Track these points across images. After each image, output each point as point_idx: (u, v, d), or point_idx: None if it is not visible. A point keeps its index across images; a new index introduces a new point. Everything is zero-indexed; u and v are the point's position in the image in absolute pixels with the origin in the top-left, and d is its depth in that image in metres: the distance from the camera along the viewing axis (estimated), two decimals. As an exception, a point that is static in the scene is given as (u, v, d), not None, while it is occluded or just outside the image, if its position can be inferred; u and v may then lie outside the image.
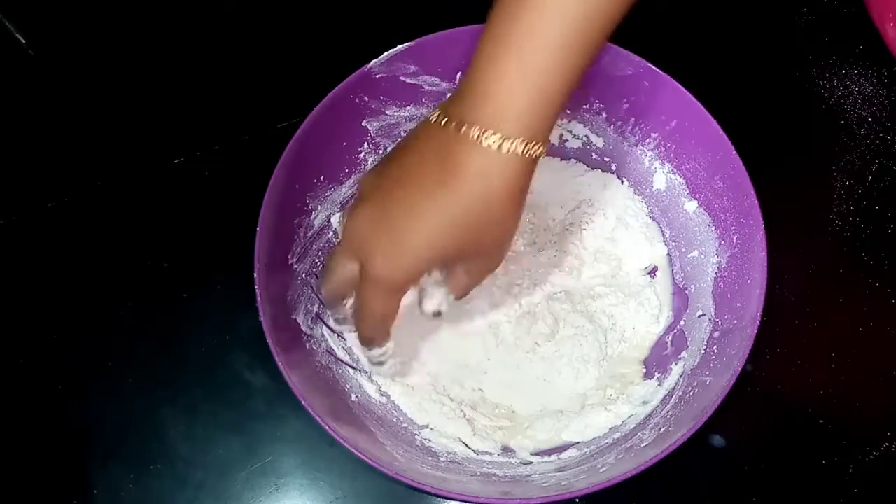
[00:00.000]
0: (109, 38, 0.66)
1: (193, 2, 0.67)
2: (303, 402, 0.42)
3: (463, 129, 0.38)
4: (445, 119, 0.39)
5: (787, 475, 0.51)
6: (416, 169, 0.40)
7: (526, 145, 0.38)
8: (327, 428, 0.42)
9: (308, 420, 0.52)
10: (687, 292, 0.54)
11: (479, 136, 0.37)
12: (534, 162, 0.39)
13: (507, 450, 0.50)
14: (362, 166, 0.55)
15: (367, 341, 0.45)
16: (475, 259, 0.42)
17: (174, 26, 0.66)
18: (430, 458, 0.47)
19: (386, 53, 0.50)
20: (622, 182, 0.57)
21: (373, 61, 0.50)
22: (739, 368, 0.42)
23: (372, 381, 0.51)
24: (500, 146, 0.37)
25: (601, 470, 0.44)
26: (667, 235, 0.56)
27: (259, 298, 0.45)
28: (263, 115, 0.61)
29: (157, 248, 0.58)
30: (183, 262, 0.57)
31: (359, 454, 0.41)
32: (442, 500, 0.50)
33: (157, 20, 0.66)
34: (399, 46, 0.50)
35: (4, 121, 0.63)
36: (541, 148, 0.38)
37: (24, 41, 0.65)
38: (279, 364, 0.43)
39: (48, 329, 0.55)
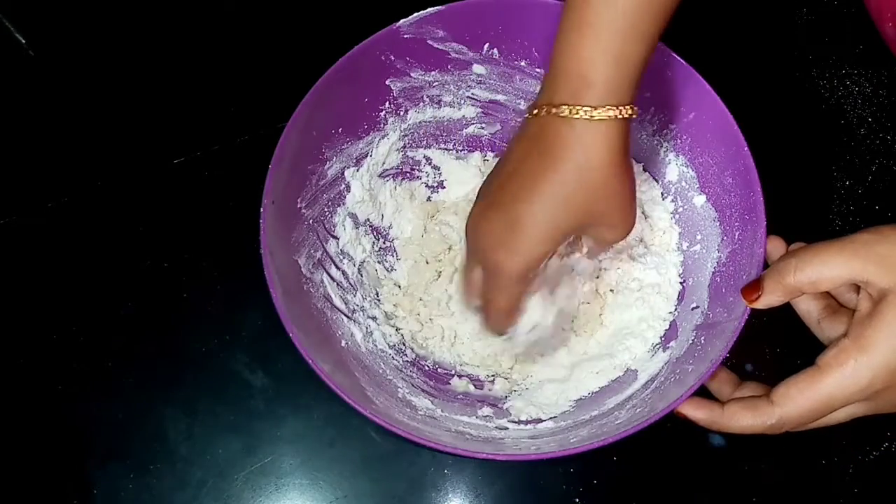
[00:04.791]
0: (109, 39, 0.66)
1: (193, 2, 0.67)
2: (290, 335, 0.42)
3: (553, 111, 0.39)
4: (536, 109, 0.40)
5: (787, 475, 0.51)
6: (520, 161, 0.41)
7: (614, 109, 0.39)
8: (311, 362, 0.41)
9: (308, 420, 0.52)
10: (685, 285, 0.54)
11: (568, 113, 0.39)
12: (626, 124, 0.40)
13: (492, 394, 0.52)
14: (382, 125, 0.55)
15: (497, 332, 0.48)
16: (597, 228, 0.43)
17: (174, 27, 0.66)
18: (408, 410, 0.47)
19: (416, 14, 0.50)
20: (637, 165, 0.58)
21: (402, 20, 0.50)
22: (721, 357, 0.42)
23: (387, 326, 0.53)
24: (590, 116, 0.38)
25: (572, 440, 0.45)
26: None
27: (262, 232, 0.45)
28: (263, 115, 0.61)
29: (157, 248, 0.58)
30: (183, 262, 0.57)
31: (339, 391, 0.41)
32: (440, 494, 0.50)
33: (157, 20, 0.66)
34: (429, 9, 0.50)
35: (4, 121, 0.63)
36: (630, 109, 0.39)
37: (24, 41, 0.65)
38: (274, 296, 0.43)
39: (48, 329, 0.55)
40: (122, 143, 0.62)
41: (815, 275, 0.40)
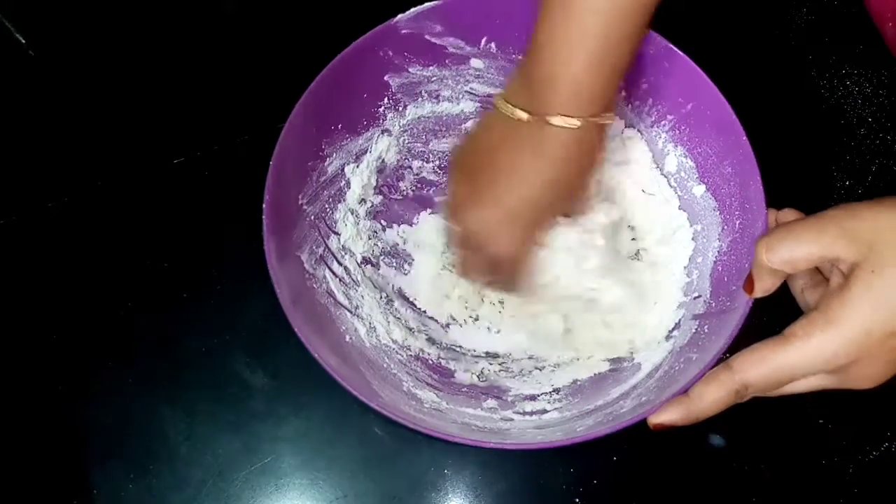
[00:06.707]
0: (109, 39, 0.66)
1: (193, 2, 0.67)
2: (296, 331, 0.42)
3: (542, 119, 0.43)
4: (518, 112, 0.44)
5: (787, 475, 0.51)
6: (508, 164, 0.45)
7: (597, 118, 0.44)
8: (317, 357, 0.42)
9: (308, 420, 0.52)
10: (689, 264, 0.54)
11: (558, 123, 0.43)
12: (605, 127, 0.45)
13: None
14: (381, 121, 0.56)
15: (513, 292, 0.54)
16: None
17: (174, 27, 0.66)
18: (414, 403, 0.48)
19: (413, 9, 0.51)
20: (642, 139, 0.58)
21: (399, 15, 0.51)
22: (726, 346, 0.43)
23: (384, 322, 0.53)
24: (578, 126, 0.43)
25: (578, 430, 0.45)
26: None
27: (265, 229, 0.45)
28: (263, 115, 0.61)
29: (157, 248, 0.58)
30: (183, 262, 0.57)
31: (345, 385, 0.41)
32: (440, 493, 0.50)
33: (157, 21, 0.67)
34: (427, 4, 0.51)
35: (4, 121, 0.63)
36: (609, 115, 0.44)
37: (24, 41, 0.65)
38: (278, 292, 0.43)
39: (48, 329, 0.55)
40: (122, 143, 0.62)
41: (787, 254, 0.41)
